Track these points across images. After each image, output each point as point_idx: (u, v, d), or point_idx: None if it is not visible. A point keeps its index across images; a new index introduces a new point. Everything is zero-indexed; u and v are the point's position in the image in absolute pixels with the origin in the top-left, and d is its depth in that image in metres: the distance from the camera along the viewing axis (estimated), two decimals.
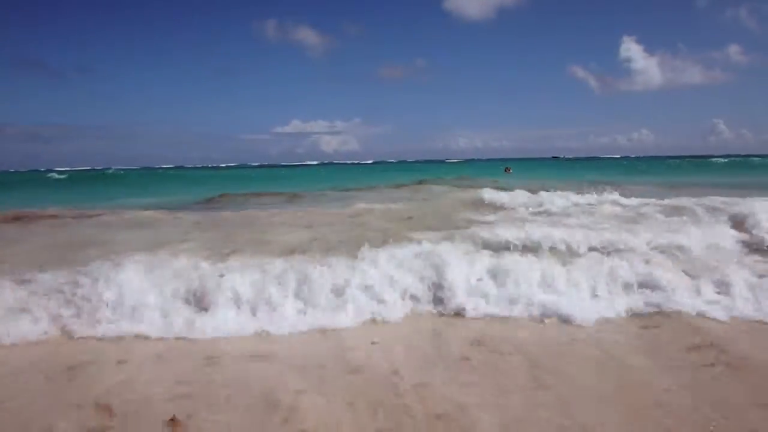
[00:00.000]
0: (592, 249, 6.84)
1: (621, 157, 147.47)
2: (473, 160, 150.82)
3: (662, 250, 6.87)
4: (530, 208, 11.98)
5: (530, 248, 6.90)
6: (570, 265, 5.94)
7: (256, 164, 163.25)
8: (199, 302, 5.14)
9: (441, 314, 5.25)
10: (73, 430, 3.17)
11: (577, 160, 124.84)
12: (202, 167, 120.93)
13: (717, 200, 10.55)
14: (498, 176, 32.26)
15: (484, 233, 7.43)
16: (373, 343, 4.51)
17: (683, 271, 5.93)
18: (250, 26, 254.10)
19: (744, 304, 5.18)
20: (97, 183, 38.79)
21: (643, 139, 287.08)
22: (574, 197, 12.87)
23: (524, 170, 45.90)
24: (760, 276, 5.76)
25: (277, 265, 5.69)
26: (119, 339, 4.63)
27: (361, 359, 4.18)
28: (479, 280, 5.60)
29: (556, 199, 12.67)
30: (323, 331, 4.79)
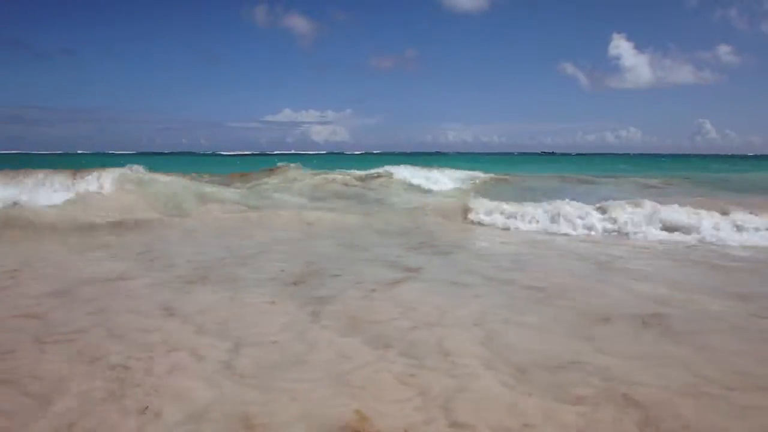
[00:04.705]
0: None
1: (622, 154, 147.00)
2: (465, 153, 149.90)
3: None
4: None
5: None
6: None
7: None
8: None
9: None
10: None
11: (567, 155, 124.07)
12: (211, 154, 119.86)
13: None
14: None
15: None
16: None
17: None
18: (240, 12, 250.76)
19: None
20: None
21: (631, 136, 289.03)
22: None
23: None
24: None
25: None
26: None
27: None
28: None
29: None
30: None
